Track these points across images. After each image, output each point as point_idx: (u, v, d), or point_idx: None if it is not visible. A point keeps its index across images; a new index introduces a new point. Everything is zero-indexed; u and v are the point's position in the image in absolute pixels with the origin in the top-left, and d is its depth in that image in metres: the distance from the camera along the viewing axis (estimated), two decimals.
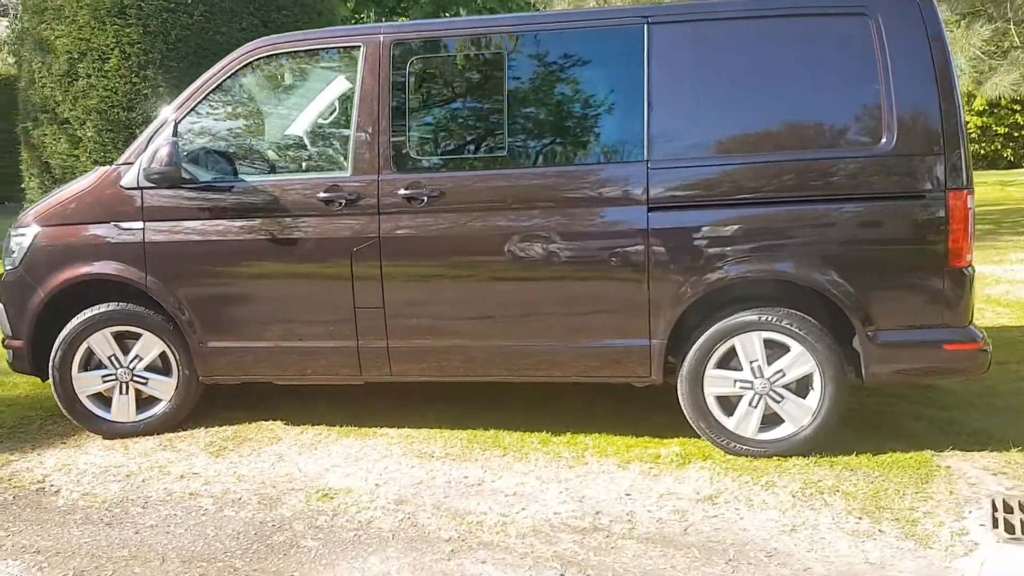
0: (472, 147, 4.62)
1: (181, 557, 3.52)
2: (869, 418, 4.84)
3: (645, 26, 4.30)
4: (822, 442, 4.29)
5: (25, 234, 4.86)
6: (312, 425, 4.95)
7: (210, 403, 5.19)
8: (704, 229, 4.23)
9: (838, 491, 3.94)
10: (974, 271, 4.18)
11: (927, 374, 4.34)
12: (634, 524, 3.72)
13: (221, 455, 4.59)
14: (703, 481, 4.10)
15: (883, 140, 4.09)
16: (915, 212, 4.09)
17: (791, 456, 4.29)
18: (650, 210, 4.24)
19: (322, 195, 4.49)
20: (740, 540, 3.55)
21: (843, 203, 4.14)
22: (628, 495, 4.00)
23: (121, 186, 4.69)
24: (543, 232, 4.33)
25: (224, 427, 4.97)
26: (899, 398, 5.17)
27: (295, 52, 4.74)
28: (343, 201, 4.47)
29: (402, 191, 4.41)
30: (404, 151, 4.47)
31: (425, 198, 4.40)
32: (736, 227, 4.21)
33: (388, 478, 4.23)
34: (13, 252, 4.88)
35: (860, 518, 3.68)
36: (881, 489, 3.93)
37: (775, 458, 4.29)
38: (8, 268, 4.90)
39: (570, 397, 5.24)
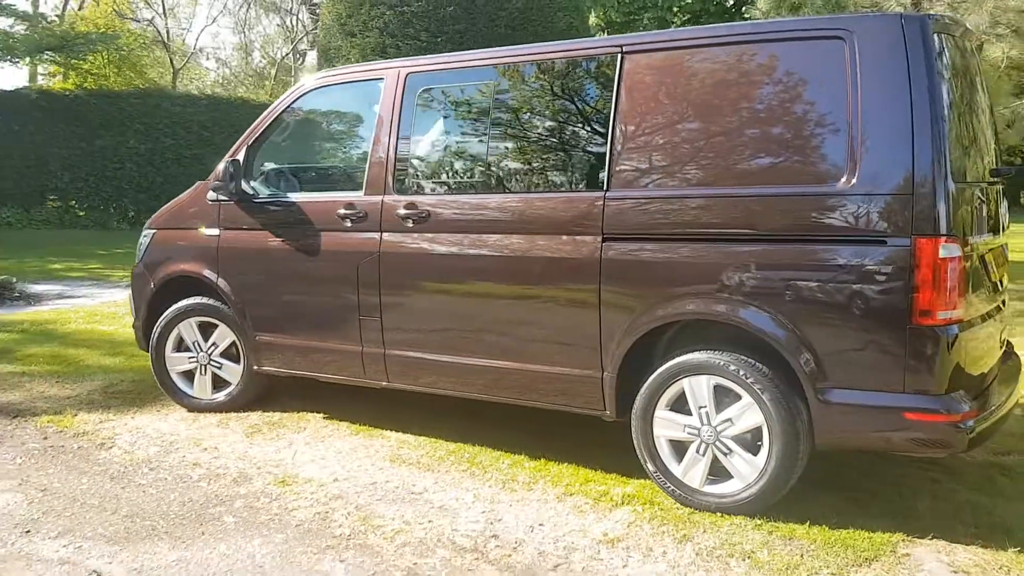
0: (454, 172, 4.80)
1: (128, 511, 4.13)
2: (872, 486, 4.27)
3: (620, 55, 4.22)
4: (773, 504, 3.91)
5: (146, 235, 5.88)
6: (339, 420, 5.41)
7: (288, 391, 5.84)
8: (654, 263, 4.05)
9: (749, 558, 3.59)
10: (960, 330, 3.58)
11: (886, 444, 3.75)
12: (514, 552, 3.70)
13: (251, 436, 5.20)
14: (620, 524, 3.93)
15: (844, 177, 3.65)
16: (875, 259, 3.59)
17: (737, 515, 3.95)
18: (604, 240, 4.15)
19: (340, 211, 4.94)
20: None
21: (796, 243, 3.75)
22: (540, 525, 3.95)
23: (207, 199, 5.51)
24: (508, 255, 4.41)
25: (275, 413, 5.59)
26: (929, 468, 4.50)
27: (340, 83, 5.25)
28: (355, 218, 4.89)
29: (400, 211, 4.73)
30: (404, 175, 4.79)
31: (413, 219, 4.68)
32: (686, 263, 3.98)
33: (348, 476, 4.55)
34: (139, 250, 5.92)
35: None
36: (798, 564, 3.52)
37: (708, 513, 3.98)
38: (136, 263, 5.95)
39: (579, 426, 5.13)
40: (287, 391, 5.89)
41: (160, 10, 35.81)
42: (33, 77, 29.32)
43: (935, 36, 3.68)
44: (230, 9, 46.93)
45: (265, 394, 5.74)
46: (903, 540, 3.74)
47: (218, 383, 5.70)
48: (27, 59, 21.37)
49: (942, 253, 3.50)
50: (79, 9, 32.37)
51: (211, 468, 4.71)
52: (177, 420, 5.56)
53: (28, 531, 3.90)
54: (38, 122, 20.00)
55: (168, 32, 35.93)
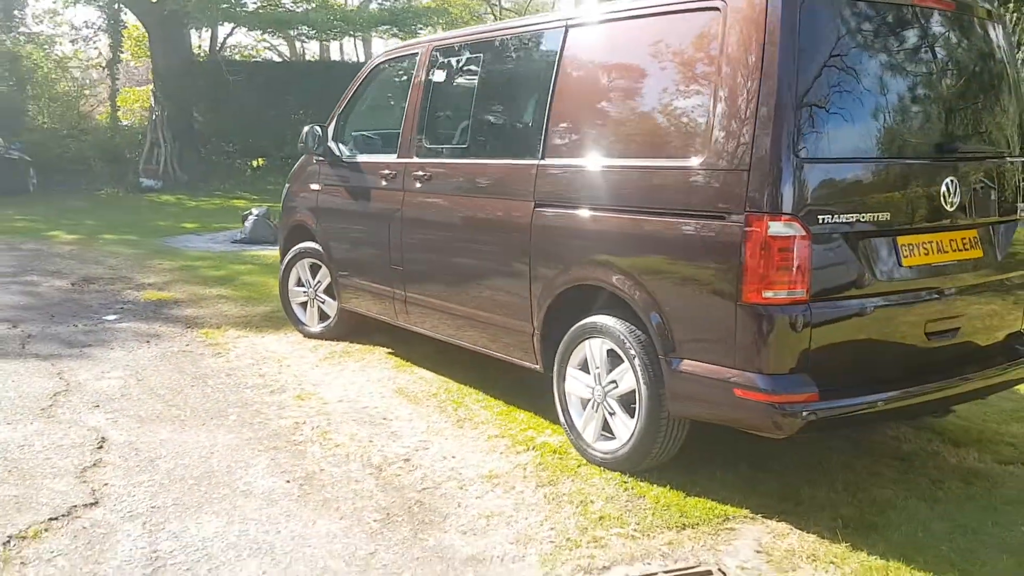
0: (448, 139, 5.31)
1: (175, 402, 5.27)
2: (784, 468, 4.20)
3: (565, 30, 4.48)
4: (653, 467, 4.09)
5: (285, 189, 7.08)
6: (394, 356, 6.22)
7: (380, 329, 6.76)
8: (565, 229, 4.33)
9: (582, 505, 3.85)
10: (800, 312, 3.49)
11: (723, 419, 3.72)
12: (405, 474, 4.27)
13: (320, 361, 6.20)
14: (513, 465, 4.32)
15: (698, 151, 3.68)
16: (713, 234, 3.61)
17: (616, 471, 4.16)
18: (536, 206, 4.49)
19: (382, 171, 5.71)
20: (436, 507, 3.91)
21: (658, 215, 3.86)
22: (453, 457, 4.47)
23: (313, 158, 6.55)
24: (473, 215, 4.92)
25: (356, 344, 6.53)
26: (869, 458, 4.29)
27: (397, 57, 5.96)
28: (390, 177, 5.63)
29: (415, 172, 5.39)
30: (422, 140, 5.42)
31: (420, 180, 5.32)
32: (586, 230, 4.23)
33: (350, 399, 5.35)
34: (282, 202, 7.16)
35: (548, 528, 3.69)
36: (617, 516, 3.72)
37: (595, 467, 4.23)
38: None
39: None
40: (380, 328, 6.81)
41: None
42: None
43: (822, 4, 3.55)
44: None
45: (359, 328, 6.70)
46: (744, 516, 3.75)
47: (323, 315, 6.78)
48: (365, 31, 24.42)
49: (772, 231, 3.44)
50: None
51: (266, 379, 5.77)
52: (287, 342, 6.73)
53: (97, 405, 5.20)
54: None
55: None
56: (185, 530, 3.66)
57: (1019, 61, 4.40)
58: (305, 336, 6.84)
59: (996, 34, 4.22)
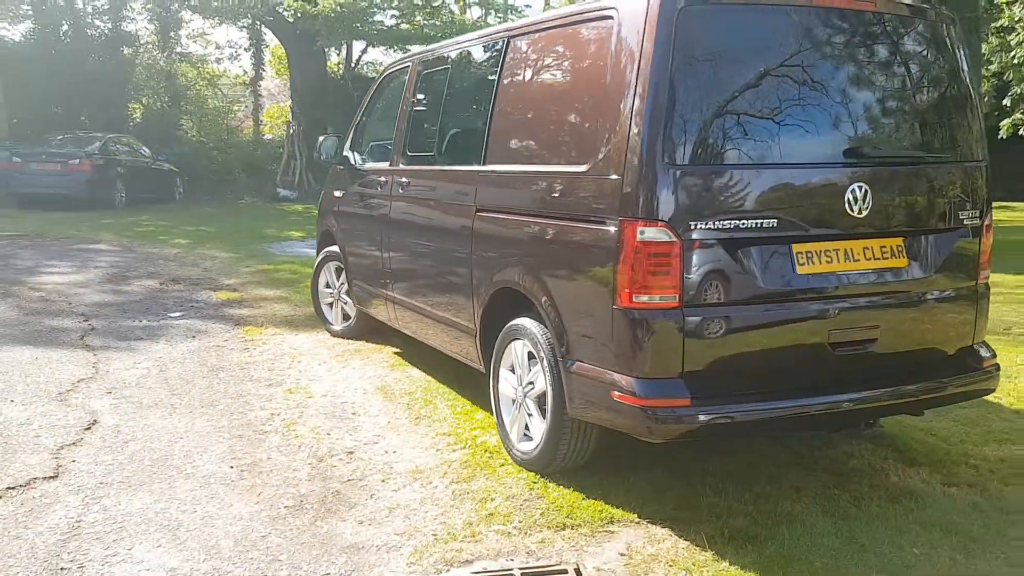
0: (423, 147, 5.48)
1: (180, 392, 5.70)
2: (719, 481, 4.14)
3: (506, 41, 4.60)
4: (565, 468, 4.15)
5: (321, 195, 7.49)
6: (397, 356, 6.46)
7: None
8: (494, 234, 4.45)
9: (481, 502, 3.97)
10: (672, 318, 3.47)
11: (607, 422, 3.72)
12: (343, 465, 4.50)
13: (332, 358, 6.53)
14: (441, 462, 4.47)
15: (587, 158, 3.73)
16: (595, 239, 3.65)
17: (532, 471, 4.23)
18: (476, 211, 4.62)
19: (379, 178, 5.99)
20: (350, 497, 4.12)
21: (556, 220, 3.94)
22: (395, 452, 4.66)
23: (337, 167, 6.91)
24: (431, 221, 5.10)
25: (371, 344, 6.82)
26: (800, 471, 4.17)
27: (399, 70, 6.21)
28: (383, 184, 5.90)
29: (399, 179, 5.63)
30: (405, 149, 5.65)
31: (402, 187, 5.55)
32: (506, 235, 4.34)
33: (335, 394, 5.64)
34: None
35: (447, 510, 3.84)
36: (507, 513, 3.81)
37: (516, 466, 4.32)
38: None
39: None
40: (393, 329, 7.06)
41: None
42: None
43: (703, 10, 3.53)
44: None
45: (377, 328, 6.99)
46: (630, 520, 3.75)
47: (345, 316, 7.12)
48: None
49: (642, 237, 3.44)
50: None
51: (272, 374, 6.15)
52: (313, 341, 7.11)
53: (109, 392, 5.71)
54: None
55: None
56: (116, 504, 4.02)
57: (965, 63, 4.11)
58: (331, 335, 7.20)
59: (926, 36, 4.01)
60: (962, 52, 4.11)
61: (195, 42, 27.07)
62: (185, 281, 10.11)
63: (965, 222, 4.02)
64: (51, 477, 4.32)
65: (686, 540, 3.57)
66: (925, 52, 3.99)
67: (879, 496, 3.98)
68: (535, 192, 4.12)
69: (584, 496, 3.98)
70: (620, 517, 3.79)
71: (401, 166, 5.67)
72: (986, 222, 4.10)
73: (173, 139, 24.37)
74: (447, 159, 5.17)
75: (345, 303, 7.06)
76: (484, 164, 4.59)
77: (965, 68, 4.11)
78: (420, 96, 5.65)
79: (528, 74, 4.37)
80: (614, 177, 3.56)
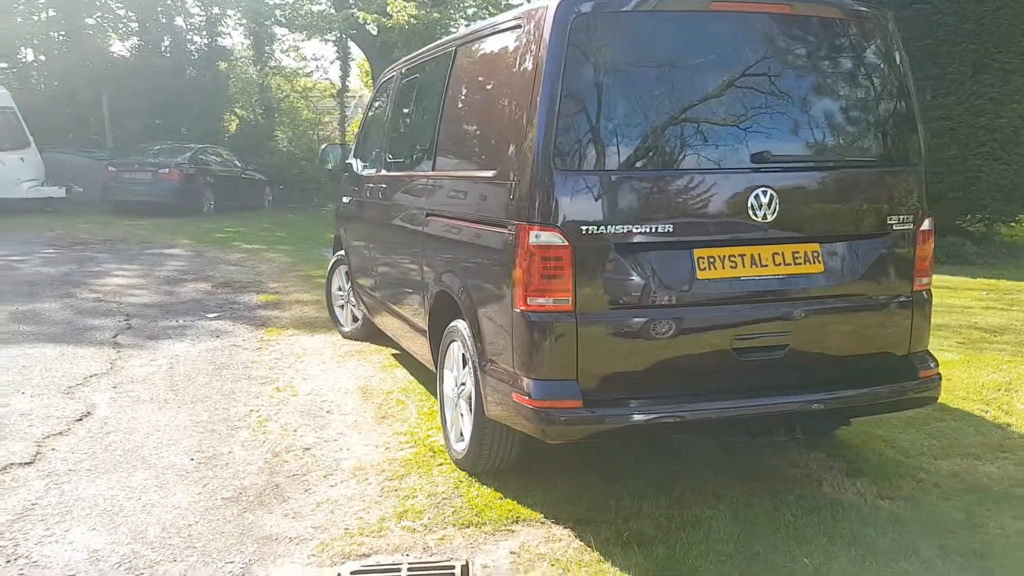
0: (398, 153, 5.63)
1: (180, 388, 6.01)
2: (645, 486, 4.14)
3: (455, 50, 4.71)
4: (492, 469, 4.22)
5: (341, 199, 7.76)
6: (392, 357, 6.63)
7: None
8: (435, 237, 4.56)
9: (405, 499, 4.08)
10: (565, 320, 3.51)
11: (513, 424, 3.76)
12: (296, 461, 4.69)
13: (334, 358, 6.76)
14: (384, 460, 4.60)
15: (494, 164, 3.82)
16: (498, 243, 3.72)
17: (464, 471, 4.32)
18: (426, 215, 4.75)
19: (368, 184, 6.19)
20: (287, 491, 4.31)
21: (473, 224, 4.03)
22: (348, 449, 4.82)
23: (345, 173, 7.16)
24: (394, 224, 5.26)
25: (375, 346, 7.02)
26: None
27: (389, 79, 6.38)
28: (373, 190, 6.10)
29: (381, 184, 5.81)
30: (386, 155, 5.83)
31: (382, 191, 5.73)
32: (442, 238, 4.45)
33: (318, 393, 5.84)
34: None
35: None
36: (420, 510, 3.92)
37: (452, 465, 4.42)
38: None
39: None
40: None
41: None
42: None
43: (599, 18, 3.57)
44: None
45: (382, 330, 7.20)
46: (535, 520, 3.80)
47: (354, 318, 7.35)
48: None
49: (535, 241, 3.50)
50: None
51: (271, 373, 6.41)
52: (323, 342, 7.37)
53: (115, 387, 6.07)
54: None
55: None
56: (74, 490, 4.30)
57: (902, 65, 3.99)
58: (342, 336, 7.44)
59: (854, 36, 3.92)
60: (900, 53, 3.99)
61: (288, 55, 28.12)
62: (235, 284, 10.56)
63: (894, 228, 3.90)
64: (27, 463, 4.64)
65: (581, 541, 3.60)
66: (851, 53, 3.90)
67: (801, 506, 3.91)
68: (463, 197, 4.23)
69: (501, 496, 4.05)
70: (527, 517, 3.84)
71: (383, 172, 5.85)
72: (922, 228, 3.97)
73: (266, 150, 25.34)
74: (412, 165, 5.32)
75: (354, 305, 7.28)
76: (433, 170, 4.71)
77: (902, 69, 3.99)
78: (398, 103, 5.82)
79: (465, 81, 4.49)
80: (513, 182, 3.63)
